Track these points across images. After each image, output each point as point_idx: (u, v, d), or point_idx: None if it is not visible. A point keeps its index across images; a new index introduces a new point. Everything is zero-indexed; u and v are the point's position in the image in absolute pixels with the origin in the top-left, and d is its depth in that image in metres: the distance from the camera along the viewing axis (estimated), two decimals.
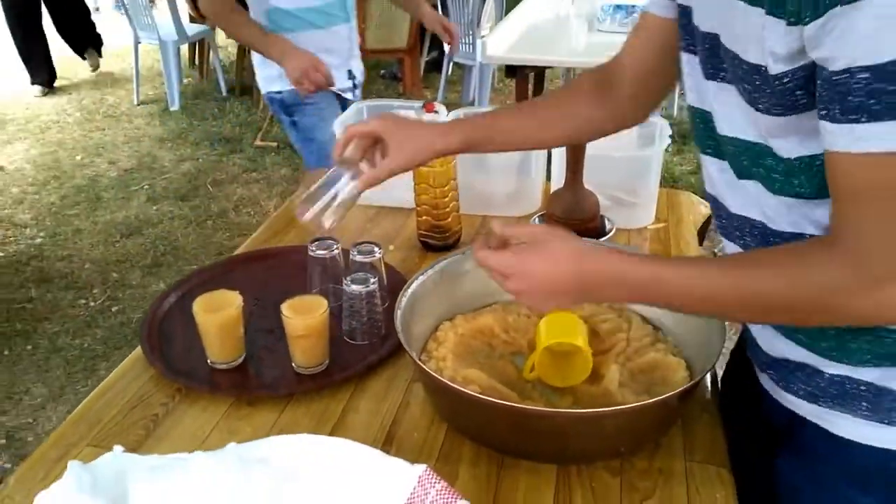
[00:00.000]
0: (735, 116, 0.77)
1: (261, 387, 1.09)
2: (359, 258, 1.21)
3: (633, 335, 1.08)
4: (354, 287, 1.14)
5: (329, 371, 1.11)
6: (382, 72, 5.88)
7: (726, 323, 0.98)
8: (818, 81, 0.64)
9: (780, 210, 0.77)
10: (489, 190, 1.60)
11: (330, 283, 1.25)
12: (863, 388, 0.79)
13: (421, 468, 0.73)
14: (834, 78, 0.61)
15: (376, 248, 1.22)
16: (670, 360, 1.01)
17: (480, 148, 1.06)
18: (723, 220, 0.88)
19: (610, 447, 0.91)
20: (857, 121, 0.61)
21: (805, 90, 0.67)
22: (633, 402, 0.92)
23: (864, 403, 0.80)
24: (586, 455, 0.91)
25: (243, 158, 4.37)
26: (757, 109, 0.72)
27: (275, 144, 4.54)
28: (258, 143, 4.57)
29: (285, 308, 1.08)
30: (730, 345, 1.04)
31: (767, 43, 0.67)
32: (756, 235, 0.82)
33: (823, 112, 0.64)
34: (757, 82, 0.71)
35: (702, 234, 1.70)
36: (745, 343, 0.98)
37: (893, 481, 0.82)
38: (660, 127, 1.55)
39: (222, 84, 5.41)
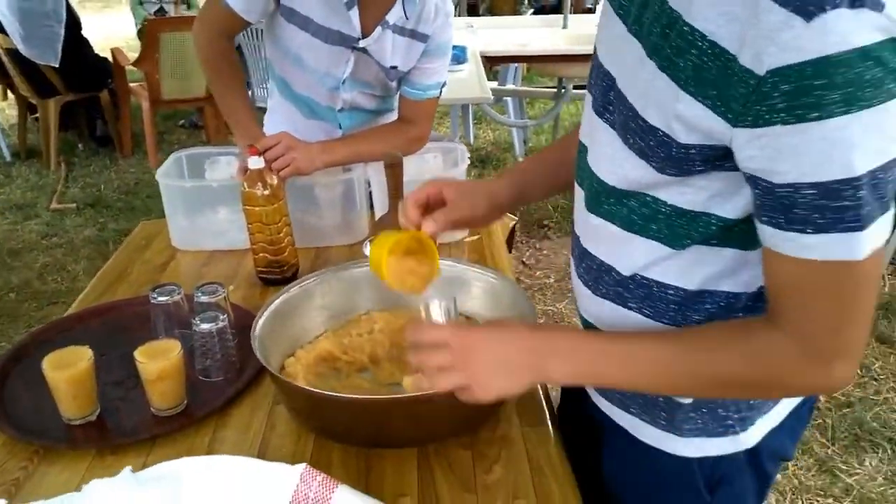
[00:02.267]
0: (613, 159, 0.82)
1: (121, 435, 1.11)
2: (203, 299, 1.26)
3: None
4: (204, 325, 1.19)
5: (188, 410, 1.15)
6: (182, 122, 5.76)
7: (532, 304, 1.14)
8: (756, 190, 0.69)
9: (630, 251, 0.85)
10: (319, 224, 1.70)
11: (175, 329, 1.29)
12: (660, 399, 0.91)
13: (301, 466, 0.83)
14: (778, 191, 0.66)
15: (220, 287, 1.27)
16: None
17: (528, 196, 1.10)
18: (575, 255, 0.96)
19: (460, 423, 1.05)
20: (802, 231, 0.66)
21: (707, 162, 0.72)
22: None
23: (663, 414, 0.92)
24: (441, 434, 1.05)
25: (40, 224, 4.10)
26: (650, 164, 0.76)
27: (74, 206, 4.30)
28: (55, 206, 4.30)
29: (139, 354, 1.11)
30: None
31: (681, 114, 0.69)
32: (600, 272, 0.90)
33: (765, 218, 0.69)
34: (651, 142, 0.74)
35: (509, 243, 1.92)
36: None
37: (691, 486, 0.95)
38: (460, 150, 1.75)
39: (4, 149, 5.02)
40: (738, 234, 0.79)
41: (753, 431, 0.92)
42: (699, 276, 0.82)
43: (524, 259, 3.65)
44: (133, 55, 4.80)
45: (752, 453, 0.94)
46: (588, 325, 0.98)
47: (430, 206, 1.03)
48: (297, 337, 1.25)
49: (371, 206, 1.75)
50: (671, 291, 0.84)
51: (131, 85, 4.91)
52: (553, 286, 3.41)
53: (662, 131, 0.72)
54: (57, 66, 4.49)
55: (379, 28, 1.56)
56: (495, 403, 1.06)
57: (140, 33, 5.35)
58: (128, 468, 0.78)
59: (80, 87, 4.81)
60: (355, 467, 1.01)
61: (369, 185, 1.73)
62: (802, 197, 0.64)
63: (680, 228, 0.80)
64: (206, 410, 1.14)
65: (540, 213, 4.00)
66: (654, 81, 0.71)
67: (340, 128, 1.78)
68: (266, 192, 1.43)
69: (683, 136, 0.71)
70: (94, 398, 1.14)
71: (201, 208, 1.71)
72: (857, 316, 0.71)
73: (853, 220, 0.64)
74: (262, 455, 1.06)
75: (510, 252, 1.88)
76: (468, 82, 3.23)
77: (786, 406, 0.95)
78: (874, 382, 2.75)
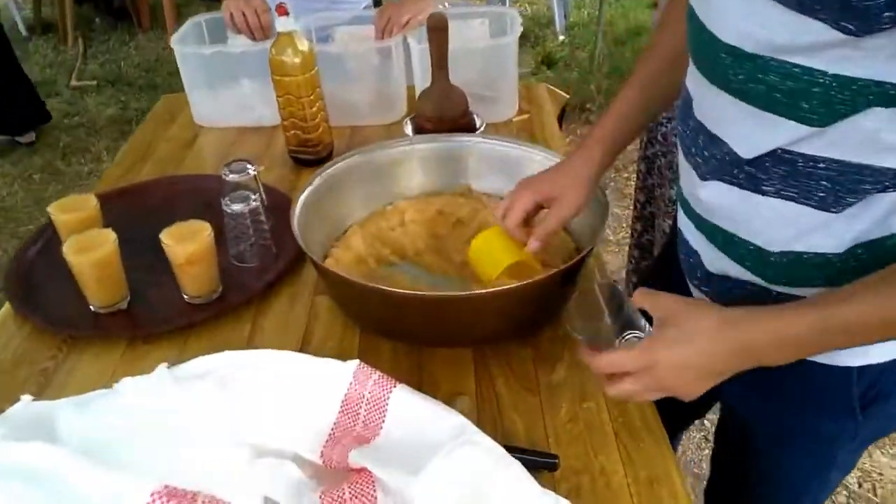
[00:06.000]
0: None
1: (154, 324, 1.03)
2: (231, 178, 1.14)
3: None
4: (235, 206, 1.10)
5: (224, 298, 1.07)
6: None
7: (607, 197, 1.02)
8: None
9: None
10: (351, 100, 1.56)
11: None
12: None
13: (354, 363, 0.74)
14: None
15: (249, 166, 1.16)
16: None
17: (621, 148, 0.97)
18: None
19: (520, 323, 0.95)
20: None
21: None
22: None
23: None
24: (501, 334, 0.95)
25: (61, 102, 3.97)
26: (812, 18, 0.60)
27: (94, 83, 4.16)
28: (74, 83, 4.16)
29: (164, 236, 1.02)
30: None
31: None
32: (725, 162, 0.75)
33: None
34: None
35: (560, 120, 1.77)
36: (673, 255, 0.95)
37: (844, 403, 0.82)
38: (510, 16, 1.57)
39: (20, 23, 4.82)
40: None
41: None
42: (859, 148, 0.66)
43: (566, 147, 3.47)
44: None
45: None
46: (696, 217, 0.83)
47: (528, 217, 0.97)
48: (335, 224, 1.14)
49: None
50: (822, 165, 0.68)
51: None
52: None
53: None
54: None
55: None
56: (559, 304, 0.96)
57: None
58: (163, 364, 0.70)
59: None
60: (406, 364, 0.93)
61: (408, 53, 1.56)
62: None
63: (840, 105, 0.64)
64: (244, 297, 1.07)
65: (582, 95, 3.78)
66: None
67: None
68: (297, 61, 1.29)
69: None
70: (123, 284, 1.06)
71: (224, 79, 1.57)
72: None
73: None
74: (306, 348, 0.98)
75: (561, 128, 1.73)
76: None
77: None
78: None
